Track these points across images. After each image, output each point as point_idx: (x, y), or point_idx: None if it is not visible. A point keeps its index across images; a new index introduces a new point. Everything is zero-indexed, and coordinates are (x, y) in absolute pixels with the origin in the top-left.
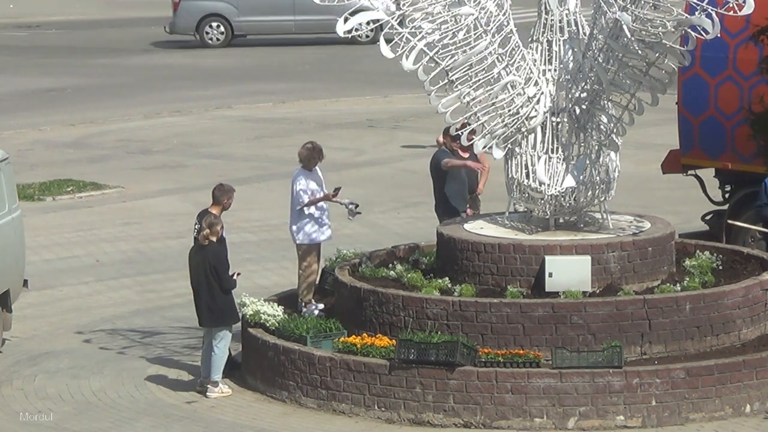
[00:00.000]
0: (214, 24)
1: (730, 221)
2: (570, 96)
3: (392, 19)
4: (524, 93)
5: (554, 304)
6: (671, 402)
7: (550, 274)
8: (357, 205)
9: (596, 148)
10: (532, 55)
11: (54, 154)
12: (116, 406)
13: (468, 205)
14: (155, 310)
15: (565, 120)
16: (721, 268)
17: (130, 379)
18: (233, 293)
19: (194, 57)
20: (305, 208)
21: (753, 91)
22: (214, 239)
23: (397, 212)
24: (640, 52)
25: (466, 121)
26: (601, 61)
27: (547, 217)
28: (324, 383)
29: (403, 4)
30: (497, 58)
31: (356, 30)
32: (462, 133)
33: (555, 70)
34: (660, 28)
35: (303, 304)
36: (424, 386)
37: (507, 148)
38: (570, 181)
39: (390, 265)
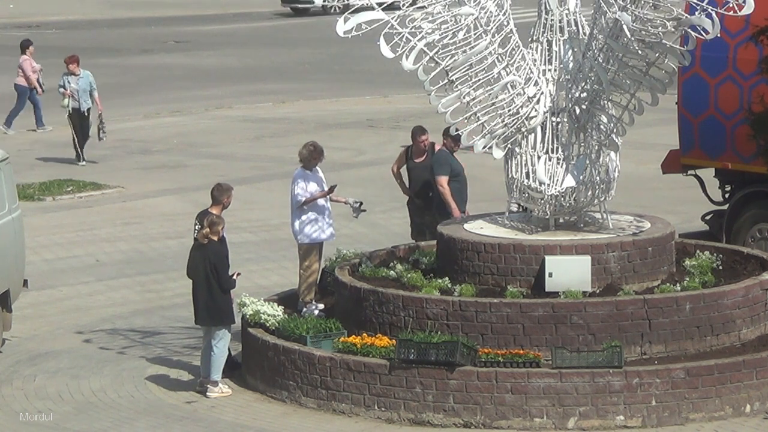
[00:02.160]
0: None
1: None
2: (570, 96)
3: (392, 19)
4: (524, 93)
5: (554, 304)
6: (671, 402)
7: (550, 274)
8: (361, 203)
9: (596, 148)
10: (532, 55)
11: (54, 154)
12: (116, 406)
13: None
14: (155, 310)
15: (565, 120)
16: (721, 268)
17: (130, 379)
18: (232, 294)
19: (194, 57)
20: (306, 208)
21: (753, 91)
22: (214, 238)
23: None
24: (640, 52)
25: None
26: (601, 61)
27: (547, 217)
28: (324, 383)
29: (403, 4)
30: (497, 58)
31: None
32: (462, 132)
33: (555, 70)
34: (660, 28)
35: (303, 304)
36: (424, 386)
37: (507, 148)
38: (570, 181)
39: (390, 265)
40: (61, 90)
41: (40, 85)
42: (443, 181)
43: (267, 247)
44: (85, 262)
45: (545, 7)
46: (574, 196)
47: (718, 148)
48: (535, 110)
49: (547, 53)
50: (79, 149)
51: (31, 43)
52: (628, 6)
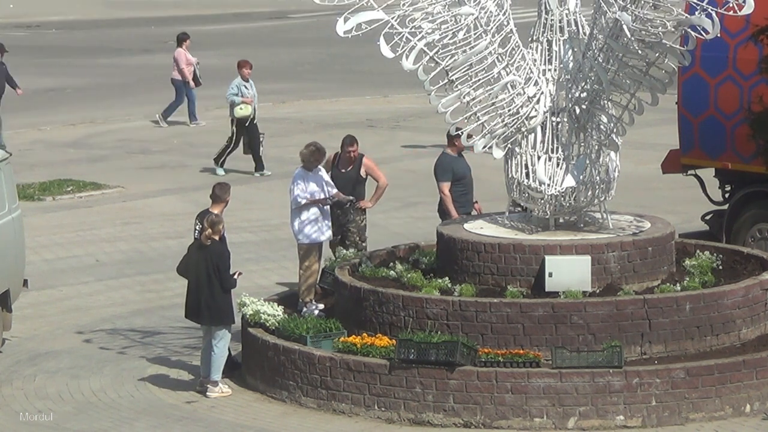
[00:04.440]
0: None
1: None
2: (570, 96)
3: (392, 19)
4: (524, 93)
5: (554, 304)
6: (671, 402)
7: (550, 274)
8: (353, 200)
9: (596, 148)
10: (532, 55)
11: (54, 154)
12: (116, 406)
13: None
14: (155, 310)
15: (565, 120)
16: (721, 268)
17: (130, 379)
18: (232, 294)
19: (194, 57)
20: (306, 209)
21: (753, 91)
22: (216, 238)
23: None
24: (640, 52)
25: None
26: (601, 61)
27: (547, 217)
28: (324, 383)
29: (403, 4)
30: (497, 57)
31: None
32: (462, 132)
33: (555, 69)
34: (660, 28)
35: (303, 304)
36: (424, 386)
37: (507, 148)
38: (570, 181)
39: (390, 265)
40: (238, 98)
41: (197, 79)
42: (444, 188)
43: (267, 247)
44: (85, 262)
45: (545, 7)
46: (574, 196)
47: (718, 148)
48: (535, 110)
49: (547, 53)
50: (224, 157)
51: (188, 37)
52: (628, 6)
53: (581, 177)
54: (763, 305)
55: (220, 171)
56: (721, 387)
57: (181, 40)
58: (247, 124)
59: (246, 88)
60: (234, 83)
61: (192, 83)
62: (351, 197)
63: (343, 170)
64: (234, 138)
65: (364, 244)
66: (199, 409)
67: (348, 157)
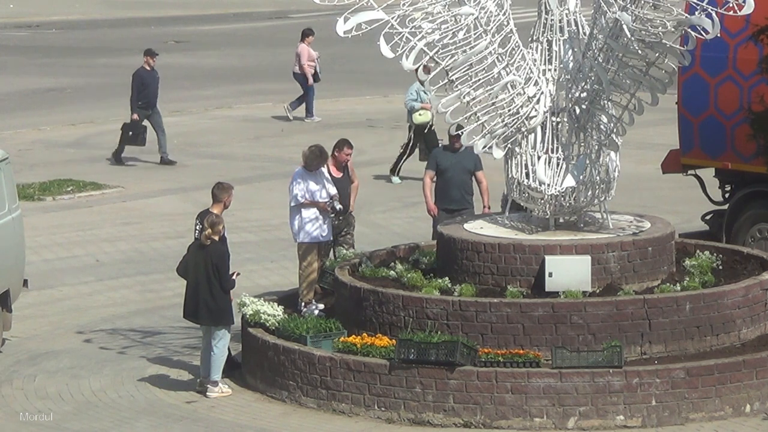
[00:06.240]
0: None
1: None
2: (570, 96)
3: (392, 19)
4: (524, 93)
5: (554, 304)
6: (671, 402)
7: (550, 274)
8: (340, 208)
9: (596, 147)
10: (532, 55)
11: (54, 154)
12: (116, 406)
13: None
14: (155, 310)
15: (565, 120)
16: (721, 268)
17: (130, 379)
18: (231, 294)
19: (194, 57)
20: (306, 208)
21: (753, 91)
22: (216, 238)
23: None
24: (640, 52)
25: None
26: (601, 60)
27: (547, 217)
28: (324, 383)
29: (403, 4)
30: (497, 57)
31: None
32: (462, 132)
33: (555, 69)
34: (660, 28)
35: (303, 303)
36: (424, 386)
37: (507, 148)
38: (570, 181)
39: (390, 265)
40: (417, 103)
41: (317, 75)
42: (425, 175)
43: (267, 247)
44: (85, 262)
45: (545, 7)
46: (574, 196)
47: (718, 148)
48: (535, 110)
49: (547, 53)
50: (400, 165)
51: (313, 33)
52: (628, 6)
53: (581, 177)
54: (763, 305)
55: (396, 179)
56: (721, 387)
57: (305, 35)
58: (425, 131)
59: (425, 93)
60: (413, 88)
61: (311, 79)
62: (337, 205)
63: (337, 176)
64: (410, 144)
65: (353, 243)
66: (199, 409)
67: (343, 162)
